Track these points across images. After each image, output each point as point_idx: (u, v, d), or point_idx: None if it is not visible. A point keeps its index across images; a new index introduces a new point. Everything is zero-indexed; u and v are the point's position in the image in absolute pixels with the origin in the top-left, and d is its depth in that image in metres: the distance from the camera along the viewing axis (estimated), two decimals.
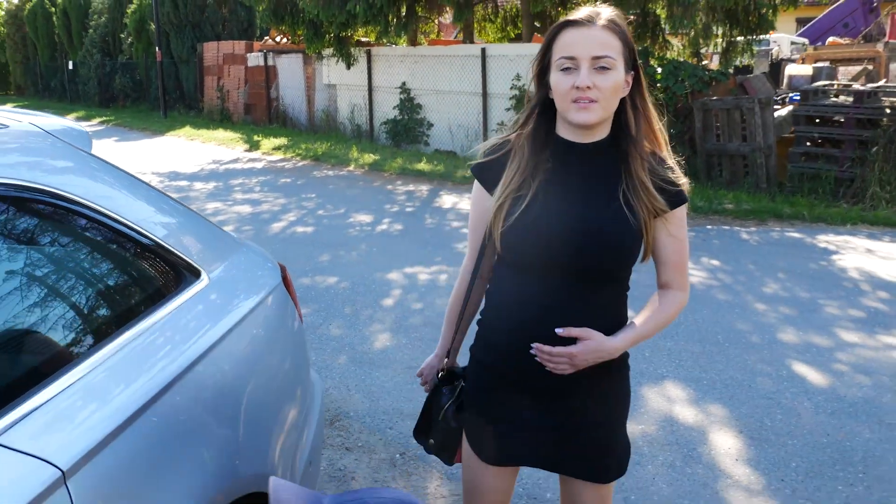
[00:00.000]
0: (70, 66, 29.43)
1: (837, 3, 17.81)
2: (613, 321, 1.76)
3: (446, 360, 2.02)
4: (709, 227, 7.81)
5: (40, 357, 1.38)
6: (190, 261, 1.84)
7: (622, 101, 1.70)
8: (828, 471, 3.23)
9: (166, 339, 1.61)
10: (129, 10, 24.89)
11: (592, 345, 1.67)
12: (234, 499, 1.64)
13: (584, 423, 1.80)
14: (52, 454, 1.21)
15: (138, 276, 1.73)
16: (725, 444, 3.45)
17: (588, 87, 1.60)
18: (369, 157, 12.16)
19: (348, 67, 14.25)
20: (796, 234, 7.50)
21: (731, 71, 11.39)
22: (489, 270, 1.91)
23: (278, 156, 13.25)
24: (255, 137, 15.13)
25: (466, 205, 8.91)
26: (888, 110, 8.60)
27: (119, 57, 26.38)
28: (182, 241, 1.88)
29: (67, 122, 1.98)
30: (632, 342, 1.73)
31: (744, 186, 9.29)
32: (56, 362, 1.36)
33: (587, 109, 1.63)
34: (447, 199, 9.28)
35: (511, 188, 1.72)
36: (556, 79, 1.65)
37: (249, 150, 14.07)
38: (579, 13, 1.65)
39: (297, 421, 2.04)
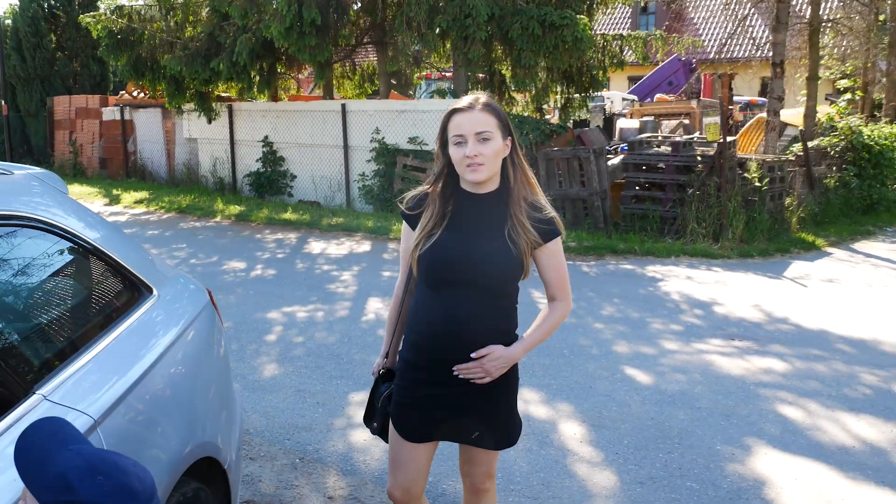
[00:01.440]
0: None
1: (662, 64, 19.91)
2: (505, 325, 2.40)
3: (386, 360, 2.58)
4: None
5: (67, 340, 1.83)
6: (146, 280, 2.32)
7: (504, 161, 2.35)
8: (651, 444, 4.01)
9: (142, 335, 2.09)
10: None
11: (497, 354, 2.30)
12: (195, 460, 2.11)
13: (482, 405, 2.40)
14: (86, 407, 1.68)
15: (112, 289, 2.20)
16: (571, 432, 4.17)
17: (475, 155, 2.25)
18: (235, 209, 12.44)
19: (209, 122, 14.48)
20: (629, 266, 8.56)
21: (569, 125, 12.65)
22: (414, 288, 2.50)
23: (141, 209, 13.24)
24: (115, 191, 14.97)
25: (334, 250, 9.44)
26: (699, 158, 9.98)
27: None
28: (136, 265, 2.35)
29: (46, 171, 2.41)
30: (529, 347, 2.40)
31: (584, 226, 10.38)
32: (76, 345, 1.83)
33: (476, 171, 2.27)
34: (316, 245, 9.76)
35: (427, 228, 2.34)
36: (452, 151, 2.30)
37: (110, 204, 13.93)
38: (463, 101, 2.31)
39: (232, 404, 2.54)
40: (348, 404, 4.49)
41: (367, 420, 2.64)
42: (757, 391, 4.78)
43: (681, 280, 7.84)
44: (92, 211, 2.37)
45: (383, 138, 12.29)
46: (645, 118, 14.48)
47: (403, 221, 2.48)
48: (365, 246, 9.70)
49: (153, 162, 17.13)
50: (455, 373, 2.32)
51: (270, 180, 14.07)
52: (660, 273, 8.17)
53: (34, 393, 1.60)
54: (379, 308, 6.62)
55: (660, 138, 11.31)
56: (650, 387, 4.84)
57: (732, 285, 7.60)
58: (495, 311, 2.36)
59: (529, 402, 4.54)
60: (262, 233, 10.77)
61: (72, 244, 2.06)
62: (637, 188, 10.51)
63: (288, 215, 11.77)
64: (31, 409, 1.56)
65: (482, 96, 2.34)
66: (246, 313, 6.47)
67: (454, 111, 2.31)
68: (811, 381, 4.95)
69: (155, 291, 2.35)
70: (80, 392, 1.70)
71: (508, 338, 2.40)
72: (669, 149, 10.36)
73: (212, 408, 2.34)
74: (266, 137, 14.10)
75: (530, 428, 4.19)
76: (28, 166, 2.39)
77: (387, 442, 2.60)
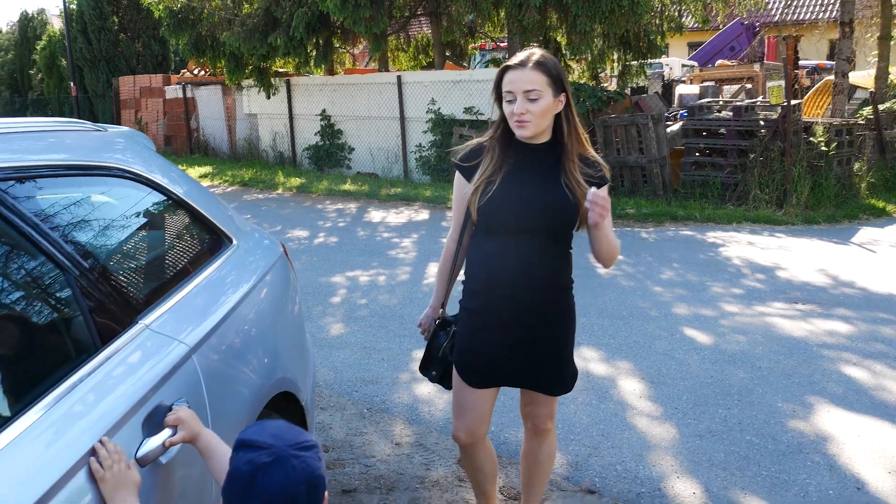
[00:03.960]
0: None
1: (724, 29, 19.42)
2: (562, 270, 2.48)
3: (441, 310, 2.69)
4: (613, 229, 8.72)
5: (162, 278, 1.99)
6: (226, 231, 2.47)
7: (558, 115, 2.41)
8: (710, 400, 4.05)
9: (226, 279, 2.24)
10: (38, 47, 24.62)
11: (601, 193, 2.27)
12: (276, 393, 2.26)
13: (543, 351, 2.49)
14: (183, 337, 1.83)
15: (198, 237, 2.36)
16: (630, 387, 4.24)
17: (522, 113, 2.32)
18: (296, 181, 12.71)
19: (268, 97, 14.77)
20: (689, 232, 8.50)
21: (627, 91, 12.51)
22: (468, 239, 2.59)
23: (206, 183, 13.62)
24: (180, 167, 15.37)
25: (393, 218, 9.59)
26: (762, 122, 9.78)
27: (29, 94, 25.98)
28: (218, 217, 2.50)
29: (135, 130, 2.58)
30: (606, 225, 2.36)
31: (643, 194, 10.31)
32: (170, 284, 1.98)
33: (523, 127, 2.35)
34: (375, 215, 9.94)
35: (485, 175, 2.42)
36: (504, 106, 2.38)
37: None
38: (516, 58, 2.36)
39: (307, 349, 2.69)
40: (412, 360, 4.63)
41: (424, 369, 2.75)
42: (820, 352, 4.75)
43: (742, 245, 7.76)
44: (176, 167, 2.52)
45: (439, 109, 12.37)
46: (705, 83, 14.21)
47: (456, 173, 2.57)
48: (423, 214, 9.84)
49: (215, 138, 17.56)
50: (588, 200, 2.26)
51: (329, 153, 14.31)
52: (720, 239, 8.10)
53: (137, 322, 1.75)
54: None
55: (721, 103, 11.11)
56: (709, 346, 4.86)
57: (796, 251, 7.49)
58: (553, 257, 2.44)
59: (589, 360, 4.61)
60: (322, 203, 11.00)
61: (161, 195, 2.21)
62: (697, 154, 10.38)
63: (347, 186, 11.98)
64: (135, 337, 1.71)
65: (536, 52, 2.37)
66: (311, 278, 6.66)
67: (507, 67, 2.37)
68: (876, 344, 4.89)
69: (235, 241, 2.49)
70: (176, 323, 1.85)
71: (566, 282, 2.48)
72: (731, 113, 10.19)
73: (290, 348, 2.49)
74: (324, 111, 14.32)
75: (589, 383, 4.27)
76: (119, 126, 2.55)
77: (446, 388, 2.71)
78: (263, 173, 13.81)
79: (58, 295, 1.62)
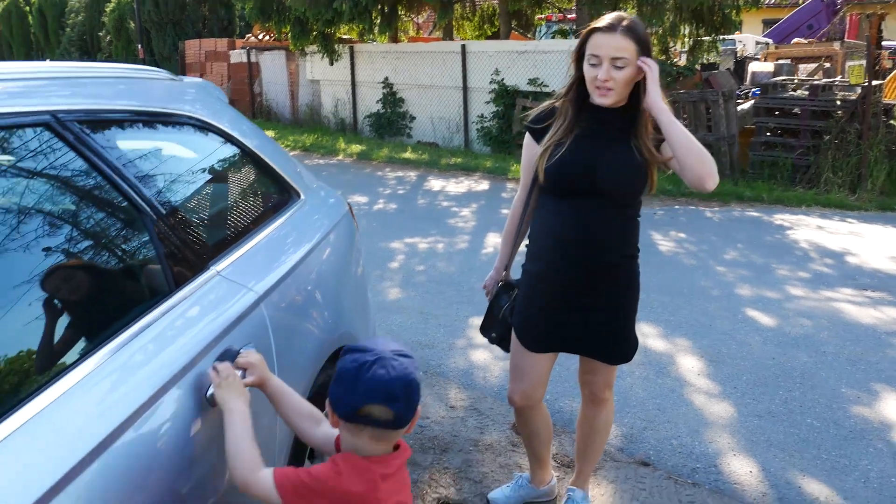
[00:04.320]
0: None
1: (802, 6, 18.69)
2: (629, 235, 2.43)
3: (504, 273, 2.69)
4: (677, 207, 8.57)
5: (233, 227, 2.04)
6: (295, 185, 2.50)
7: (638, 83, 2.31)
8: (771, 382, 3.97)
9: (293, 232, 2.27)
10: (107, 9, 25.17)
11: (649, 61, 2.23)
12: (338, 347, 2.29)
13: (604, 318, 2.46)
14: (253, 285, 1.87)
15: (267, 189, 2.39)
16: (689, 365, 4.18)
17: (606, 80, 2.25)
18: (356, 148, 12.79)
19: (332, 63, 14.83)
20: (755, 214, 8.28)
21: (697, 67, 12.17)
22: (535, 202, 2.57)
23: None
24: None
25: (453, 188, 9.59)
26: (839, 102, 9.42)
27: (98, 55, 26.63)
28: (287, 171, 2.54)
29: (209, 82, 2.62)
30: (664, 108, 2.23)
31: None
32: (241, 233, 2.02)
33: (605, 95, 2.28)
34: (435, 183, 9.95)
35: (556, 137, 2.39)
36: (586, 69, 2.29)
37: None
38: (605, 20, 2.27)
39: (367, 306, 2.72)
40: (469, 327, 4.65)
41: (485, 330, 2.75)
42: (889, 340, 4.60)
43: (811, 229, 7.53)
44: (247, 120, 2.55)
45: (503, 80, 12.25)
46: (780, 61, 13.73)
47: (527, 135, 2.53)
48: (483, 185, 9.80)
49: (278, 103, 17.76)
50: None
51: (390, 121, 14.33)
52: (788, 222, 7.87)
53: (209, 269, 1.79)
54: (497, 242, 6.72)
55: (796, 82, 10.74)
56: (772, 329, 4.74)
57: (868, 237, 7.24)
58: (620, 221, 2.40)
59: (647, 336, 4.56)
60: (382, 171, 11.06)
61: (233, 146, 2.25)
62: (768, 134, 10.07)
63: (407, 155, 12.00)
64: (207, 282, 1.75)
65: (625, 16, 2.28)
66: (370, 242, 6.72)
67: (595, 30, 2.28)
68: None
69: (302, 196, 2.53)
70: (246, 271, 1.89)
71: (632, 249, 2.45)
72: (806, 93, 9.83)
73: (352, 303, 2.52)
74: (386, 79, 14.32)
75: (647, 358, 4.22)
76: (194, 78, 2.60)
77: (505, 351, 2.71)
78: (324, 139, 13.93)
79: (136, 237, 1.67)
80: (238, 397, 1.54)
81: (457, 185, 9.77)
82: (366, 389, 1.45)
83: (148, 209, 1.67)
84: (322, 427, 1.67)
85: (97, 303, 1.51)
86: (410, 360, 1.52)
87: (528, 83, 11.92)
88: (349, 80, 15.20)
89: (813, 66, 13.62)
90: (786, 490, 3.01)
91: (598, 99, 2.29)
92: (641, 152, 2.33)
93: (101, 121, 1.70)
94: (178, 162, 2.01)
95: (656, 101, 2.24)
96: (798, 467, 3.16)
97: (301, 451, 2.02)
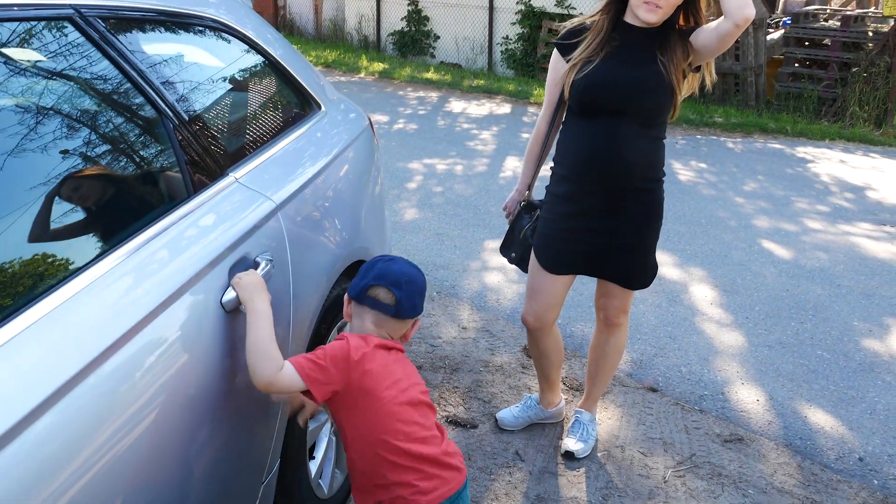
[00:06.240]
0: None
1: None
2: (654, 156, 2.40)
3: (527, 193, 2.68)
4: (698, 136, 8.44)
5: (253, 135, 2.04)
6: (316, 97, 2.48)
7: (680, 6, 2.26)
8: (784, 313, 3.98)
9: (313, 143, 2.27)
10: None
11: None
12: (354, 261, 2.32)
13: (627, 242, 2.46)
14: (271, 193, 1.88)
15: (289, 99, 2.38)
16: (702, 294, 4.19)
17: None
18: (378, 66, 12.59)
19: None
20: (778, 146, 8.14)
21: None
22: (561, 122, 2.53)
23: None
24: None
25: (474, 110, 9.47)
26: (871, 34, 9.13)
27: None
28: (309, 83, 2.51)
29: None
30: None
31: (733, 103, 9.87)
32: (260, 141, 2.02)
33: (653, 12, 2.23)
34: (456, 105, 9.82)
35: (586, 53, 2.34)
36: None
37: None
38: None
39: (384, 223, 2.74)
40: (484, 249, 4.67)
41: (505, 249, 2.77)
42: None
43: (833, 163, 7.42)
44: (271, 28, 2.52)
45: (529, 1, 11.92)
46: None
47: (554, 52, 2.49)
48: (505, 108, 9.68)
49: (301, 17, 17.42)
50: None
51: (414, 40, 14.05)
52: (810, 155, 7.75)
53: (227, 175, 1.80)
54: (517, 166, 6.68)
55: (829, 12, 10.39)
56: (788, 261, 4.73)
57: (891, 172, 7.12)
58: (646, 141, 2.37)
59: (662, 264, 4.53)
60: (404, 90, 10.91)
61: (256, 53, 2.23)
62: (796, 65, 9.81)
63: (430, 75, 11.82)
64: (225, 188, 1.76)
65: None
66: (389, 162, 6.70)
67: None
68: None
69: (323, 108, 2.51)
70: (264, 179, 1.89)
71: (656, 173, 2.43)
72: (838, 23, 9.53)
73: (369, 219, 2.53)
74: None
75: (661, 286, 4.24)
76: None
77: (524, 272, 2.72)
78: (347, 56, 13.71)
79: (157, 141, 1.67)
80: (262, 298, 1.57)
81: (478, 108, 9.65)
82: (376, 274, 1.74)
83: (170, 112, 1.66)
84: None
85: (114, 205, 1.52)
86: (421, 274, 1.82)
87: (555, 4, 11.60)
88: None
89: None
90: (792, 419, 3.06)
91: (645, 15, 2.23)
92: (666, 65, 2.28)
93: (125, 18, 1.67)
94: (201, 66, 2.00)
95: None
96: (805, 397, 3.21)
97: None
